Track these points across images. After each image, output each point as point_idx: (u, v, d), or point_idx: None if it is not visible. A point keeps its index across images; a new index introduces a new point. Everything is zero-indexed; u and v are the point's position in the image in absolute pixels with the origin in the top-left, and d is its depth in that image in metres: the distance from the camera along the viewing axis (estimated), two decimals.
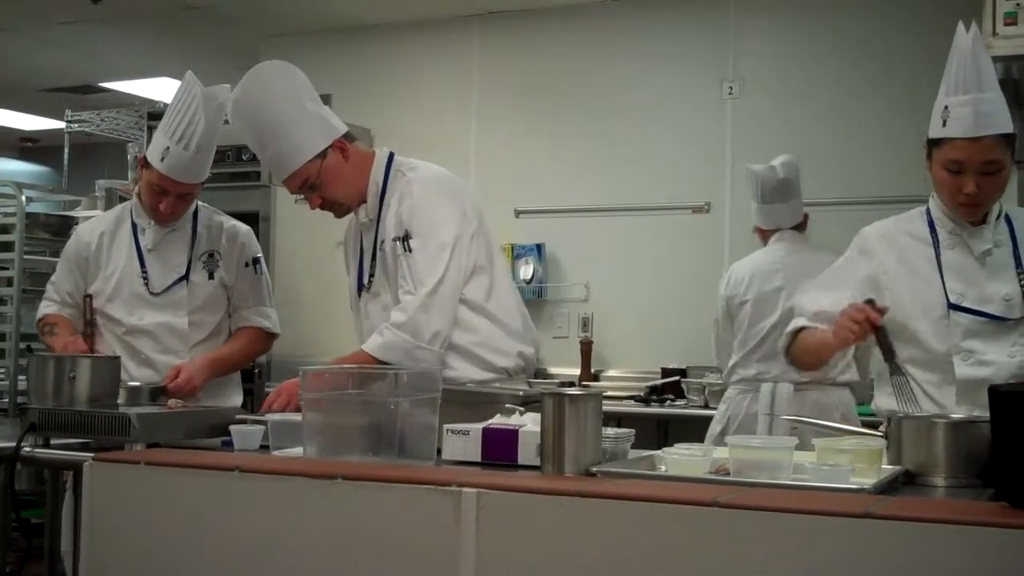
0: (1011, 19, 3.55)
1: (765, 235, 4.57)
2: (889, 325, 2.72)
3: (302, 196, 3.10)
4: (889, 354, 2.53)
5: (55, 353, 3.39)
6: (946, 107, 2.58)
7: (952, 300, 2.65)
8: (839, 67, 5.83)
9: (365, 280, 3.13)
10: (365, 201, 3.11)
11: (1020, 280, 2.66)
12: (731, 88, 6.06)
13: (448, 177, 3.20)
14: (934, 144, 2.64)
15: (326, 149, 3.03)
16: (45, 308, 3.65)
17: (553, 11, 6.46)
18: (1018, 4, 3.53)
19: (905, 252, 2.76)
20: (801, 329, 2.82)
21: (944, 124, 2.58)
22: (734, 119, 6.05)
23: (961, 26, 2.65)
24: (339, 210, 3.13)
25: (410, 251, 2.99)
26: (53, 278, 3.70)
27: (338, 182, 3.06)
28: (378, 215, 3.09)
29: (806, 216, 4.57)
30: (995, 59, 3.21)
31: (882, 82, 5.71)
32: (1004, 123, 2.57)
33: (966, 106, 2.54)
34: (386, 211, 3.07)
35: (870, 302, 2.54)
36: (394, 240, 3.02)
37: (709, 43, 6.14)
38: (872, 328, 2.50)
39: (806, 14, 5.96)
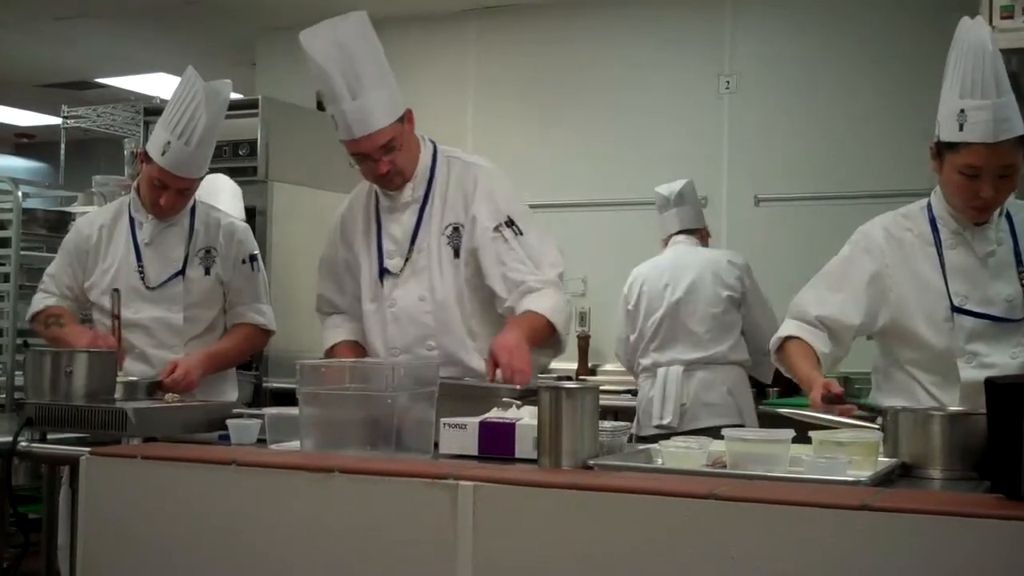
0: (1008, 12, 3.54)
1: (666, 243, 4.97)
2: (892, 327, 2.71)
3: (357, 163, 2.98)
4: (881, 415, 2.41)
5: (67, 345, 3.37)
6: (962, 110, 2.52)
7: (956, 302, 2.64)
8: (835, 62, 5.83)
9: (395, 264, 3.02)
10: (410, 179, 3.03)
11: (1021, 279, 2.64)
12: (728, 83, 6.06)
13: None
14: (947, 147, 2.59)
15: (403, 114, 2.98)
16: (44, 300, 3.63)
17: (549, 6, 6.45)
18: None
19: (908, 251, 2.73)
20: (790, 337, 2.77)
21: (961, 128, 2.52)
22: (730, 114, 6.05)
23: (967, 21, 2.61)
24: (398, 181, 3.01)
25: (522, 233, 2.95)
26: (50, 270, 3.68)
27: (409, 150, 3.00)
28: (425, 197, 3.02)
29: (706, 232, 5.00)
30: None
31: (878, 77, 5.71)
32: (1019, 126, 2.54)
33: (984, 111, 2.50)
34: (454, 196, 3.00)
35: (833, 398, 2.44)
36: (496, 228, 2.95)
37: (706, 38, 6.14)
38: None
39: (802, 9, 5.96)
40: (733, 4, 6.10)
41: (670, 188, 4.96)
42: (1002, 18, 3.58)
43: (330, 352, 3.19)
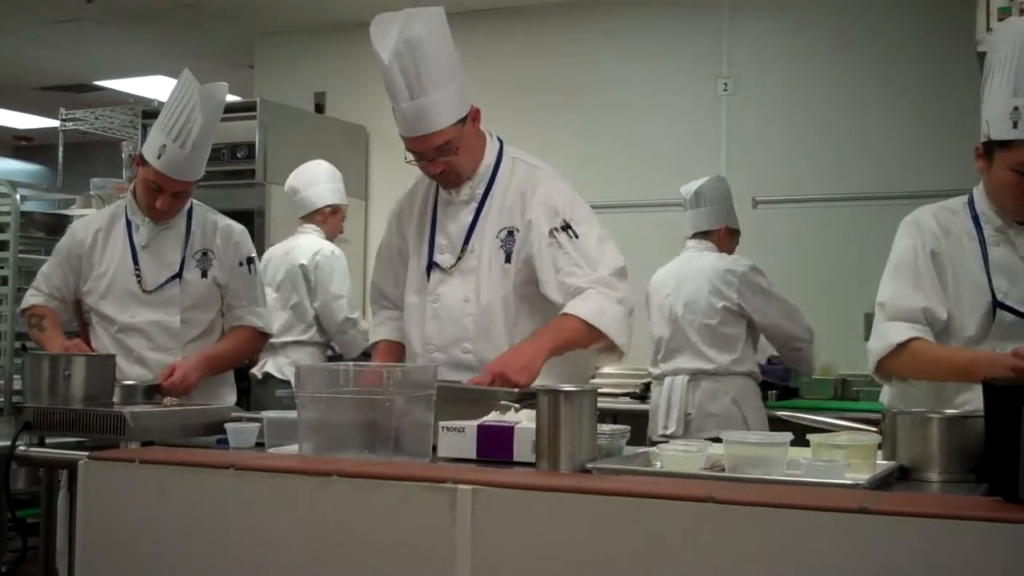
0: (1005, 15, 3.55)
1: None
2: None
3: (415, 159, 2.91)
4: None
5: (44, 349, 3.39)
6: (1016, 108, 2.53)
7: (998, 298, 2.63)
8: (833, 64, 5.83)
9: (445, 260, 2.96)
10: (470, 178, 2.97)
11: None
12: (726, 85, 6.07)
13: None
14: (1000, 145, 2.58)
15: (467, 114, 2.91)
16: (32, 298, 3.65)
17: (546, 8, 6.46)
18: None
19: (954, 242, 2.72)
20: (911, 340, 2.65)
21: (1015, 126, 2.53)
22: (728, 116, 6.05)
23: (1013, 20, 2.62)
24: (455, 180, 2.95)
25: (578, 236, 2.86)
26: (44, 269, 3.70)
27: (469, 151, 2.93)
28: (484, 197, 2.96)
29: (728, 232, 4.83)
30: None
31: (876, 78, 5.71)
32: None
33: None
34: (513, 199, 2.93)
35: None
36: (551, 232, 2.86)
37: (704, 40, 6.14)
38: None
39: (800, 11, 5.97)
40: (730, 6, 6.10)
41: (687, 188, 4.86)
42: (999, 19, 3.58)
43: (373, 347, 3.17)
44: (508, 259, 2.92)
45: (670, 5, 6.24)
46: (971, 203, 2.75)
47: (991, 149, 2.62)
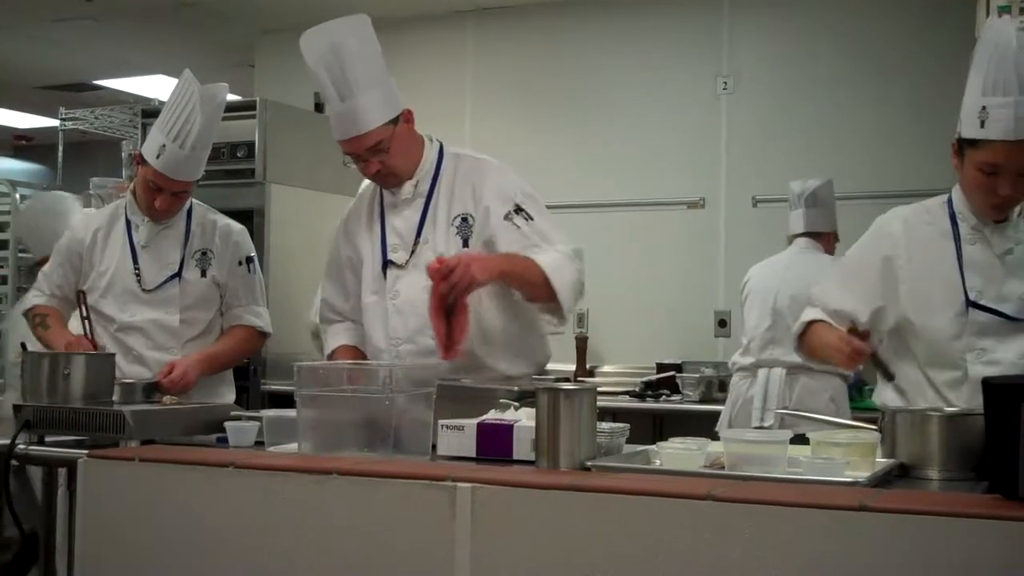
0: (1005, 13, 3.55)
1: (790, 241, 4.90)
2: (905, 320, 2.71)
3: (352, 161, 2.99)
4: (888, 376, 2.58)
5: (49, 347, 3.39)
6: (984, 107, 2.54)
7: (971, 297, 2.64)
8: (833, 62, 5.83)
9: (399, 257, 3.00)
10: (409, 177, 3.03)
11: None
12: (725, 83, 6.07)
13: None
14: (968, 144, 2.60)
15: (398, 116, 2.97)
16: (34, 298, 3.68)
17: (547, 7, 6.46)
18: None
19: (925, 244, 2.73)
20: (814, 321, 2.83)
21: (982, 125, 2.54)
22: (728, 114, 6.06)
23: (994, 20, 2.63)
24: (392, 181, 3.01)
25: (533, 219, 2.95)
26: (45, 269, 3.73)
27: (404, 152, 2.99)
28: (430, 192, 3.01)
29: (832, 236, 4.83)
30: None
31: (876, 77, 5.71)
32: None
33: (1006, 108, 2.51)
34: (462, 189, 3.00)
35: (854, 331, 2.57)
36: (507, 216, 2.94)
37: (703, 38, 6.15)
38: (865, 356, 2.57)
39: (800, 9, 5.97)
40: (730, 5, 6.10)
41: (803, 186, 4.84)
42: (999, 17, 3.58)
43: (330, 357, 3.16)
44: (465, 244, 2.98)
45: (670, 5, 6.24)
46: (950, 201, 2.76)
47: (963, 147, 2.63)
